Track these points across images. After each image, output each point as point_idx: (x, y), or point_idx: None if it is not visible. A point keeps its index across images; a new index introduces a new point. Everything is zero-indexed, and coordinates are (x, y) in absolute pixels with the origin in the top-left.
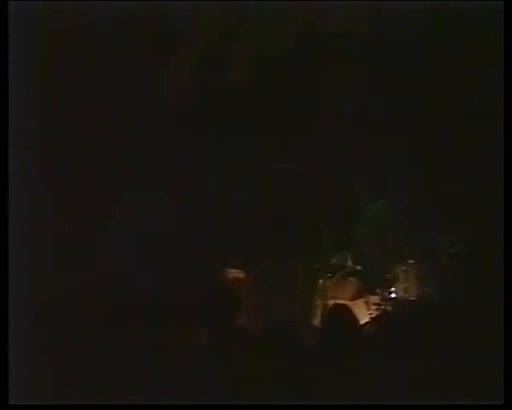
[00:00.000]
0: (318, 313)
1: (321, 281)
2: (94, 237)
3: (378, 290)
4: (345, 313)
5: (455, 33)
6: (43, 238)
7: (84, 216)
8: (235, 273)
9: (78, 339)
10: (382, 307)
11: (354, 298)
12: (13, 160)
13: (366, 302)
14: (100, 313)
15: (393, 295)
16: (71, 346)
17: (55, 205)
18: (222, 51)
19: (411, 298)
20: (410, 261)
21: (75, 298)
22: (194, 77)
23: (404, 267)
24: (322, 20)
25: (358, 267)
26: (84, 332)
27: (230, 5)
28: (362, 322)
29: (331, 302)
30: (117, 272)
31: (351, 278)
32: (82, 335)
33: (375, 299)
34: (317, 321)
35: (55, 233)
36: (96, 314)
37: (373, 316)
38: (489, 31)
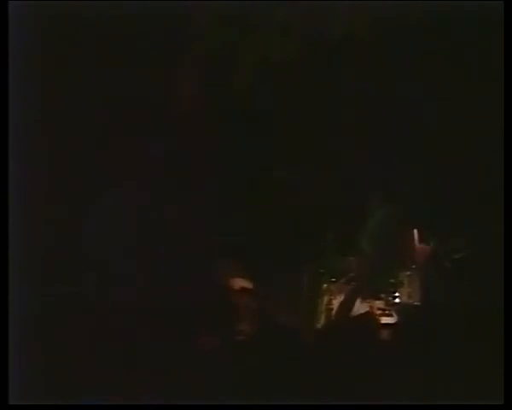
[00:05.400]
0: (322, 317)
1: (325, 286)
2: (95, 238)
3: (382, 295)
4: (349, 318)
5: (454, 33)
6: (43, 238)
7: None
8: (237, 278)
9: (79, 339)
10: (386, 312)
11: (358, 303)
12: (13, 160)
13: (370, 307)
14: (100, 313)
15: (398, 300)
16: (71, 346)
17: (56, 206)
18: (225, 56)
19: (415, 303)
20: (414, 266)
21: (75, 298)
22: (197, 80)
23: (408, 272)
24: (328, 23)
25: (363, 272)
26: (84, 332)
27: (234, 9)
28: (366, 326)
29: (335, 307)
30: (118, 274)
31: (355, 283)
32: (82, 335)
33: (379, 304)
34: (321, 326)
35: (56, 233)
36: (97, 314)
37: (377, 321)
38: (489, 31)
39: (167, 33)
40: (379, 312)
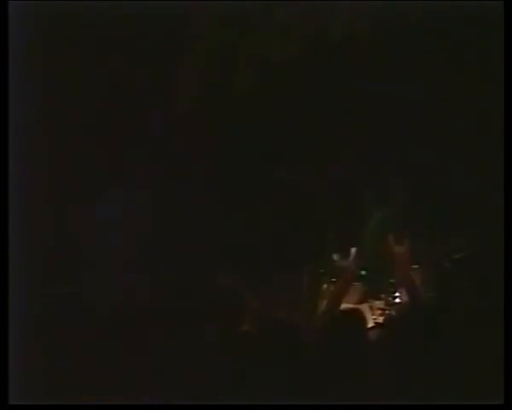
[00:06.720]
0: (322, 317)
1: (325, 285)
2: (94, 238)
3: (382, 295)
4: (349, 318)
5: (454, 33)
6: (43, 239)
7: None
8: (238, 278)
9: (79, 339)
10: (386, 312)
11: (358, 303)
12: (13, 160)
13: (370, 307)
14: (100, 313)
15: (397, 300)
16: (71, 346)
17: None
18: (225, 56)
19: (415, 303)
20: (415, 266)
21: (76, 298)
22: (197, 80)
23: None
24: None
25: (363, 272)
26: (84, 333)
27: (234, 9)
28: (366, 326)
29: (335, 307)
30: (117, 274)
31: (355, 283)
32: (83, 335)
33: (379, 304)
34: (321, 325)
35: (56, 234)
36: (97, 314)
37: (377, 320)
38: (489, 31)
39: (167, 33)
40: (379, 311)
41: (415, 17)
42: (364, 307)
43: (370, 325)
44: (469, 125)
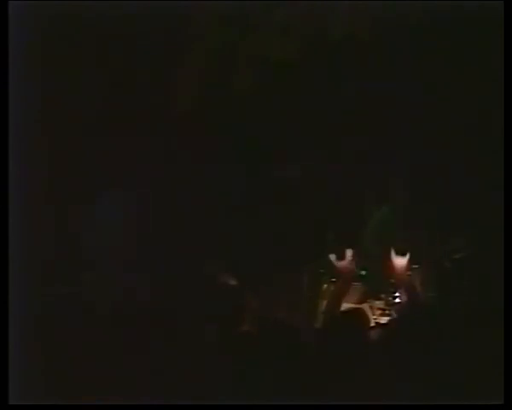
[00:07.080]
0: (322, 317)
1: (325, 285)
2: (94, 238)
3: (382, 295)
4: (349, 318)
5: (454, 33)
6: (43, 239)
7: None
8: (238, 278)
9: (79, 339)
10: (386, 312)
11: (358, 303)
12: (13, 160)
13: (370, 307)
14: (100, 313)
15: (397, 300)
16: (71, 346)
17: (56, 206)
18: (225, 56)
19: (415, 302)
20: (415, 266)
21: (76, 298)
22: (197, 80)
23: (408, 272)
24: (328, 24)
25: (363, 272)
26: (84, 333)
27: (234, 9)
28: (366, 326)
29: (335, 307)
30: (117, 274)
31: (355, 283)
32: (82, 335)
33: (379, 304)
34: (320, 326)
35: (56, 234)
36: (97, 314)
37: (377, 320)
38: (489, 31)
39: (167, 33)
40: (379, 311)
41: (415, 17)
42: (364, 307)
43: (371, 325)
44: (469, 125)
